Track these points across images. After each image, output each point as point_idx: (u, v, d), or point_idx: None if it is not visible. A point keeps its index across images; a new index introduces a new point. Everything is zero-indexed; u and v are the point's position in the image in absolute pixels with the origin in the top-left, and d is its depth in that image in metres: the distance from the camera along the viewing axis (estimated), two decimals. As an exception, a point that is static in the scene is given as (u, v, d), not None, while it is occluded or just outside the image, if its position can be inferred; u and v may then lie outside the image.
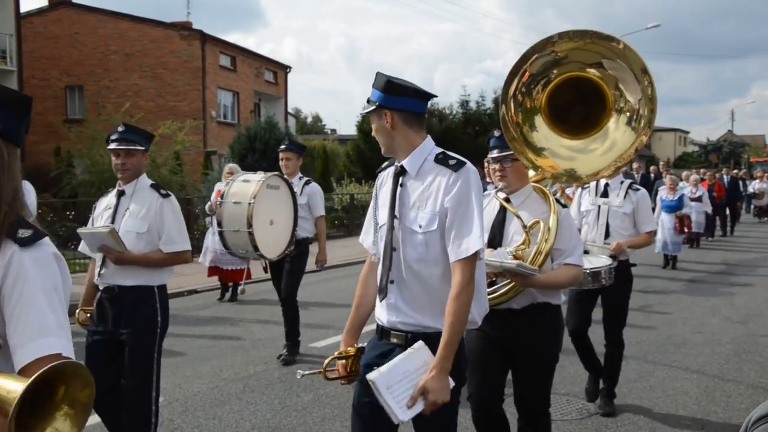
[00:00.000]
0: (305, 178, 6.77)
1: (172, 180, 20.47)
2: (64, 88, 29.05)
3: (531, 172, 3.62)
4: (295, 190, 6.36)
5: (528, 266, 3.23)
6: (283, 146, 6.80)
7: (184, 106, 27.48)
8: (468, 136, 30.90)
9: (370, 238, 2.87)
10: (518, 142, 3.45)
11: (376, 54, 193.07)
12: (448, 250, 2.53)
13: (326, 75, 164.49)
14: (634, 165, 20.93)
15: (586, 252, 4.72)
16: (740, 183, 23.91)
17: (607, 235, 5.12)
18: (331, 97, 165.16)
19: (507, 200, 3.52)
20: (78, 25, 28.63)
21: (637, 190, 5.21)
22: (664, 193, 13.02)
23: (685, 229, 12.99)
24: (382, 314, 2.72)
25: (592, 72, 3.40)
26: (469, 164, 2.59)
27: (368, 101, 2.73)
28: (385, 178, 2.80)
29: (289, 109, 39.63)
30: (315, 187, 6.72)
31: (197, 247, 14.38)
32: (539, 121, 3.48)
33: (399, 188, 2.66)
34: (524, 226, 3.36)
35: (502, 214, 3.49)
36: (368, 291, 2.89)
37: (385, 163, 2.87)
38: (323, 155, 23.97)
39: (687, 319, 8.47)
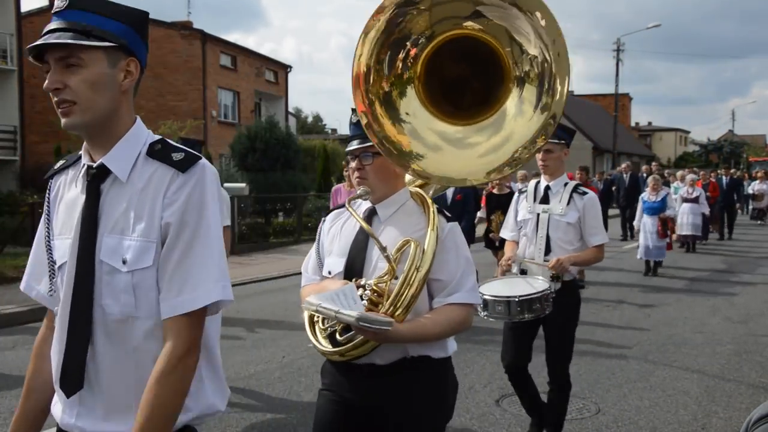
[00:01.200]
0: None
1: (172, 180, 20.43)
2: (65, 87, 29.03)
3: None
4: None
5: (375, 318, 2.17)
6: None
7: (184, 105, 27.49)
8: (468, 136, 30.89)
9: (44, 284, 1.86)
10: (375, 115, 2.42)
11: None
12: (160, 297, 1.67)
13: (327, 74, 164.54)
14: (623, 165, 20.49)
15: (523, 272, 4.28)
16: (741, 183, 23.28)
17: (548, 249, 4.21)
18: (331, 96, 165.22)
19: (372, 212, 2.56)
20: (78, 24, 28.59)
21: (584, 194, 4.25)
22: (646, 194, 12.31)
23: (669, 233, 12.11)
24: (61, 414, 1.79)
25: (471, 26, 2.36)
26: (204, 161, 1.78)
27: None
28: (64, 185, 1.86)
29: (290, 109, 39.64)
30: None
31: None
32: (411, 92, 2.43)
33: (94, 200, 1.73)
34: (383, 250, 2.36)
35: (364, 233, 2.49)
36: (44, 367, 1.87)
37: (60, 162, 1.93)
38: (324, 155, 23.95)
39: (687, 318, 8.47)
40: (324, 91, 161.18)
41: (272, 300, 8.54)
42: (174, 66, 27.84)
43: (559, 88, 2.24)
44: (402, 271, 2.33)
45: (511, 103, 2.34)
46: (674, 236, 14.57)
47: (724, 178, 19.91)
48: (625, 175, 18.18)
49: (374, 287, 2.37)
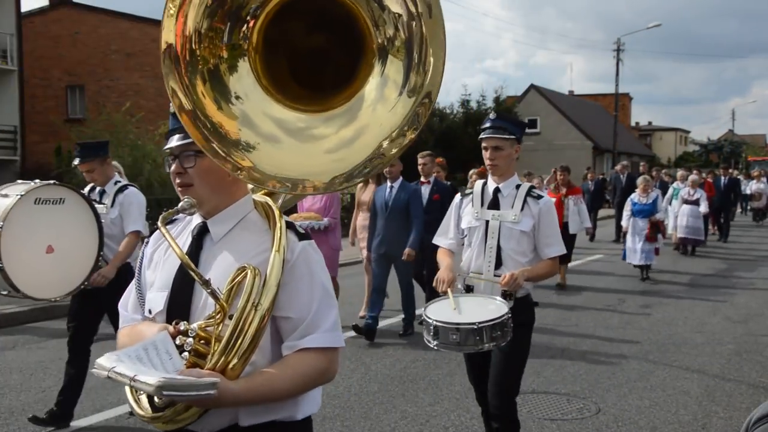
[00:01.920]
0: (122, 183, 5.11)
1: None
2: (65, 87, 29.05)
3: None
4: (104, 201, 4.96)
5: (189, 382, 1.63)
6: (76, 159, 5.02)
7: (184, 105, 27.46)
8: (468, 136, 30.84)
9: None
10: (196, 97, 1.87)
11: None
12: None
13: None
14: (618, 166, 19.98)
15: (469, 288, 3.73)
16: (737, 183, 22.08)
17: (498, 262, 3.65)
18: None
19: (203, 231, 1.98)
20: (79, 24, 28.63)
21: (539, 197, 3.71)
22: (636, 195, 11.64)
23: (659, 236, 11.40)
24: None
25: None
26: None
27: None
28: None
29: (290, 109, 39.60)
30: (132, 194, 5.03)
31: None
32: (244, 68, 1.83)
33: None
34: (205, 285, 1.80)
35: (192, 258, 1.91)
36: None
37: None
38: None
39: (687, 318, 8.47)
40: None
41: (272, 300, 8.55)
42: (174, 66, 27.81)
43: (432, 60, 1.72)
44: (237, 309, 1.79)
45: (371, 84, 1.78)
46: (673, 239, 14.39)
47: (722, 178, 19.11)
48: (621, 176, 17.99)
49: (200, 332, 1.79)
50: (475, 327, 3.27)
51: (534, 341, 7.25)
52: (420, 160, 8.01)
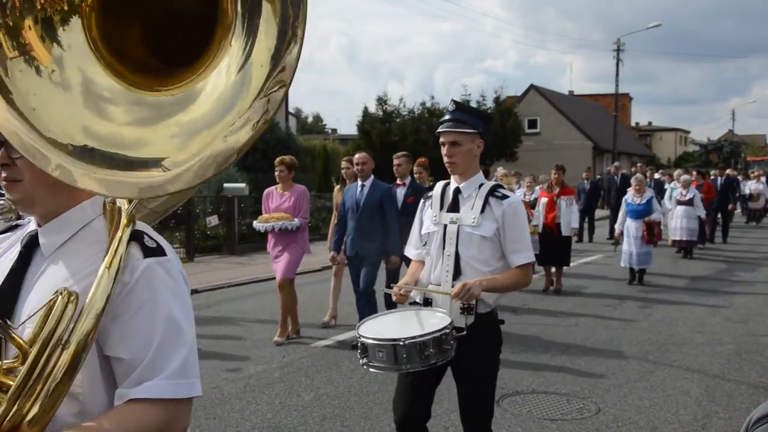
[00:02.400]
0: None
1: (172, 180, 20.44)
2: (65, 87, 29.08)
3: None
4: None
5: None
6: None
7: (184, 105, 27.49)
8: (468, 136, 30.88)
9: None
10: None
11: (376, 53, 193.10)
12: None
13: (327, 74, 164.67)
14: (611, 167, 19.35)
15: (428, 302, 3.25)
16: (736, 183, 21.17)
17: (457, 272, 3.17)
18: (331, 96, 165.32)
19: (33, 242, 1.54)
20: (79, 24, 28.65)
21: (503, 197, 3.21)
22: (630, 195, 11.12)
23: (655, 238, 10.88)
24: None
25: None
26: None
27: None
28: None
29: (290, 109, 39.67)
30: None
31: (200, 248, 14.45)
32: (75, 25, 1.43)
33: None
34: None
35: (14, 277, 1.51)
36: None
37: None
38: (324, 155, 23.98)
39: (687, 318, 8.47)
40: (324, 91, 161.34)
41: (272, 300, 8.53)
42: (174, 66, 27.85)
43: (291, 43, 1.36)
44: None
45: (220, 64, 1.37)
46: (669, 241, 14.08)
47: (718, 178, 18.46)
48: (616, 177, 17.76)
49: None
50: (401, 344, 2.85)
51: (534, 341, 7.26)
52: (395, 161, 7.66)
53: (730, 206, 17.94)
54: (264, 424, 4.94)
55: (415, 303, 3.32)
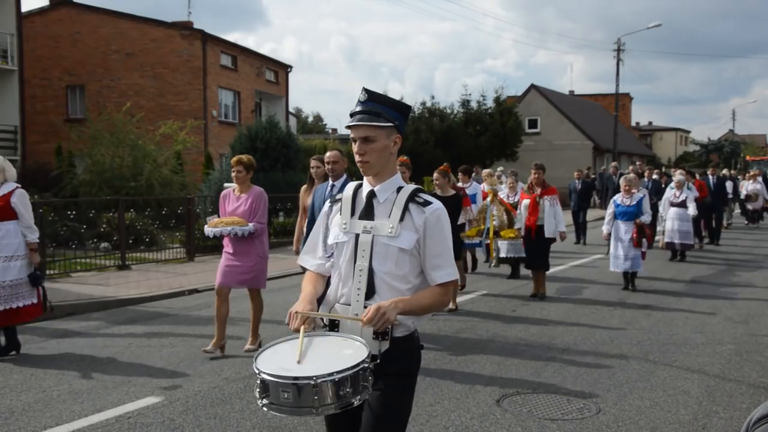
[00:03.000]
0: None
1: (173, 180, 20.48)
2: (65, 87, 29.10)
3: None
4: None
5: None
6: None
7: (185, 105, 27.52)
8: (469, 136, 30.92)
9: None
10: None
11: (376, 53, 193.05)
12: None
13: (327, 74, 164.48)
14: (610, 168, 18.95)
15: (334, 325, 2.73)
16: (730, 184, 20.81)
17: (371, 291, 2.70)
18: (331, 96, 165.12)
19: None
20: (79, 24, 28.68)
21: (426, 204, 2.75)
22: (619, 196, 10.50)
23: (645, 241, 10.29)
24: None
25: None
26: None
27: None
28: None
29: (290, 109, 39.67)
30: None
31: (200, 247, 14.43)
32: None
33: None
34: None
35: None
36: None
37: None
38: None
39: (688, 318, 8.47)
40: (324, 91, 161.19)
41: (272, 300, 8.53)
42: (174, 66, 27.87)
43: None
44: None
45: None
46: (662, 244, 13.62)
47: (710, 177, 17.89)
48: (614, 177, 17.52)
49: None
50: (313, 383, 2.35)
51: (534, 341, 7.25)
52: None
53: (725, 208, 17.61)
54: (264, 423, 4.94)
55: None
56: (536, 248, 9.76)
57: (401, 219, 2.71)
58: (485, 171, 12.19)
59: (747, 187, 21.85)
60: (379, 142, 2.71)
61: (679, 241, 13.48)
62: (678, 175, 14.64)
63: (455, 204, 8.59)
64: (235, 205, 6.77)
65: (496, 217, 9.91)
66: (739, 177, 25.68)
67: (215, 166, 22.69)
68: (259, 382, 2.50)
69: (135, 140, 20.18)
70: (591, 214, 18.41)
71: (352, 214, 2.80)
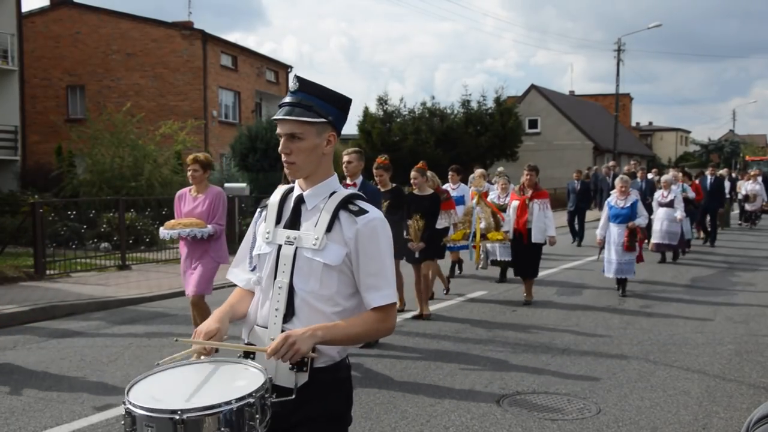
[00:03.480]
0: None
1: (173, 179, 20.48)
2: (66, 87, 29.11)
3: None
4: None
5: None
6: None
7: (185, 105, 27.53)
8: (469, 136, 30.90)
9: None
10: None
11: (376, 53, 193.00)
12: None
13: (327, 74, 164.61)
14: (603, 167, 18.51)
15: (249, 352, 2.36)
16: (728, 184, 20.45)
17: (290, 312, 2.30)
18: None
19: None
20: (79, 24, 28.69)
21: (361, 212, 2.31)
22: (613, 198, 10.01)
23: (638, 245, 9.88)
24: None
25: None
26: None
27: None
28: None
29: (291, 109, 39.62)
30: None
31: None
32: None
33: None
34: None
35: None
36: None
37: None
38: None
39: (688, 318, 8.47)
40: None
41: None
42: (175, 66, 27.88)
43: None
44: None
45: None
46: (650, 246, 13.06)
47: (708, 177, 17.20)
48: (608, 178, 17.20)
49: None
50: (177, 417, 1.91)
51: (534, 341, 7.25)
52: (345, 158, 6.85)
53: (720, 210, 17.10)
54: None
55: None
56: (525, 254, 9.30)
57: (328, 229, 2.29)
58: (477, 171, 11.67)
59: (746, 187, 21.29)
60: (308, 140, 2.30)
61: (667, 242, 13.05)
62: (666, 175, 14.21)
63: (432, 204, 8.29)
64: (192, 206, 6.49)
65: (483, 219, 9.44)
66: (738, 177, 25.43)
67: (215, 166, 22.70)
68: (126, 414, 2.01)
69: (135, 140, 20.15)
70: (590, 215, 18.25)
71: (278, 221, 2.41)
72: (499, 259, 10.68)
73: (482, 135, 31.25)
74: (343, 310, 2.32)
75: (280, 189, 2.48)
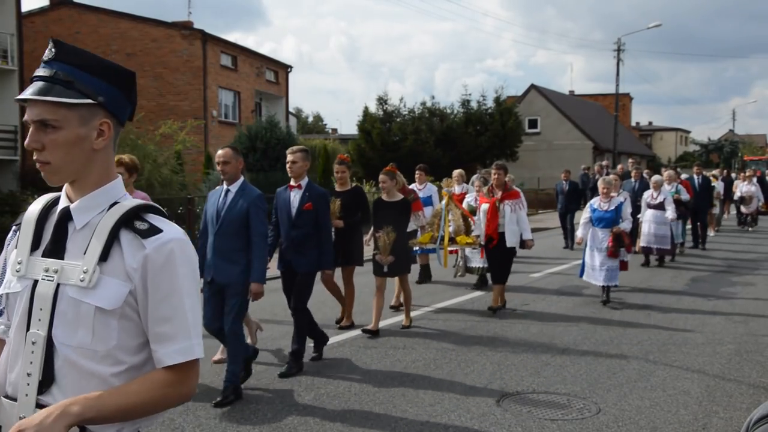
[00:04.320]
0: None
1: (173, 180, 20.50)
2: (66, 87, 29.09)
3: None
4: None
5: None
6: None
7: (185, 105, 27.53)
8: (469, 136, 30.91)
9: None
10: None
11: (376, 53, 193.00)
12: None
13: (327, 74, 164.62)
14: (596, 166, 17.97)
15: None
16: (721, 185, 19.71)
17: (49, 379, 1.64)
18: (332, 96, 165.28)
19: None
20: (79, 24, 28.68)
21: (151, 232, 1.65)
22: (596, 200, 9.41)
23: (624, 251, 9.26)
24: None
25: None
26: None
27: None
28: None
29: (290, 109, 39.66)
30: None
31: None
32: None
33: None
34: None
35: None
36: None
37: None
38: (324, 155, 23.97)
39: (688, 318, 8.47)
40: (324, 91, 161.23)
41: (272, 300, 8.52)
42: (174, 66, 27.89)
43: None
44: None
45: None
46: (638, 248, 12.45)
47: (695, 177, 16.28)
48: (598, 176, 16.66)
49: None
50: None
51: (534, 341, 7.26)
52: (289, 157, 6.33)
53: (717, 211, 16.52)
54: (264, 423, 4.94)
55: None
56: (496, 258, 8.65)
57: (103, 257, 1.62)
58: (455, 172, 10.97)
59: (741, 188, 20.29)
60: (67, 129, 1.63)
61: (656, 245, 12.40)
62: (656, 175, 13.67)
63: (403, 211, 7.62)
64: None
65: (452, 221, 8.67)
66: (737, 177, 25.16)
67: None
68: None
69: (135, 140, 20.17)
70: (578, 216, 17.89)
71: (34, 246, 1.69)
72: (477, 266, 10.17)
73: (482, 135, 31.26)
74: (128, 368, 1.66)
75: (42, 199, 1.77)
